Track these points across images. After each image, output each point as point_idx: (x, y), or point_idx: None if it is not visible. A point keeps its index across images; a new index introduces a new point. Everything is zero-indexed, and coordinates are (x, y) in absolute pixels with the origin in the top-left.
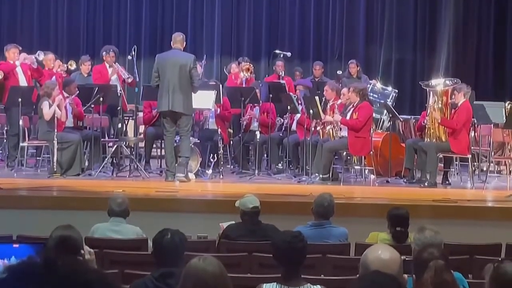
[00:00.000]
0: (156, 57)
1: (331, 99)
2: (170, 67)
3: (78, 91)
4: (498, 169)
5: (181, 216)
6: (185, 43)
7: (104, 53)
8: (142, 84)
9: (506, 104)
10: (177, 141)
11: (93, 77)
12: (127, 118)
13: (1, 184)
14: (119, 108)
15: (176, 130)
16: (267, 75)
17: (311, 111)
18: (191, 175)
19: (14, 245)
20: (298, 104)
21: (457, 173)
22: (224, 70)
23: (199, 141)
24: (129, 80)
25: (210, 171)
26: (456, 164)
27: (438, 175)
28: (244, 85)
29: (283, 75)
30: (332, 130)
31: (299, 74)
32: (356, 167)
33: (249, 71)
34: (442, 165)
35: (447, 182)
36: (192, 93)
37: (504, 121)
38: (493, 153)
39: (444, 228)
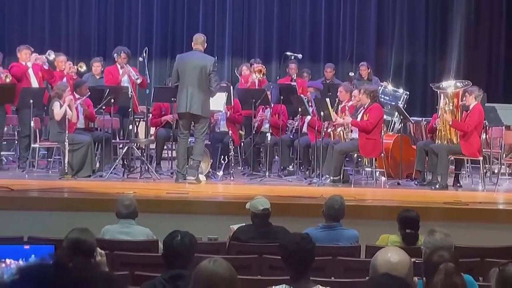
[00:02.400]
0: (177, 57)
1: (344, 101)
2: (190, 69)
3: (89, 93)
4: (510, 171)
5: (192, 217)
6: (206, 44)
7: (115, 54)
8: (153, 85)
9: None
10: (191, 142)
11: (105, 78)
12: (138, 119)
13: (12, 185)
14: (130, 109)
15: (191, 132)
16: (278, 77)
17: (322, 113)
18: (202, 177)
19: (25, 247)
20: (309, 106)
21: (468, 176)
22: (235, 71)
23: (210, 143)
24: (138, 81)
25: (220, 173)
26: (467, 166)
27: (449, 177)
28: (256, 87)
29: (295, 77)
30: (343, 132)
31: (307, 75)
32: (367, 169)
33: (261, 72)
34: (453, 167)
35: (458, 184)
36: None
37: None
38: (504, 155)
39: (455, 230)
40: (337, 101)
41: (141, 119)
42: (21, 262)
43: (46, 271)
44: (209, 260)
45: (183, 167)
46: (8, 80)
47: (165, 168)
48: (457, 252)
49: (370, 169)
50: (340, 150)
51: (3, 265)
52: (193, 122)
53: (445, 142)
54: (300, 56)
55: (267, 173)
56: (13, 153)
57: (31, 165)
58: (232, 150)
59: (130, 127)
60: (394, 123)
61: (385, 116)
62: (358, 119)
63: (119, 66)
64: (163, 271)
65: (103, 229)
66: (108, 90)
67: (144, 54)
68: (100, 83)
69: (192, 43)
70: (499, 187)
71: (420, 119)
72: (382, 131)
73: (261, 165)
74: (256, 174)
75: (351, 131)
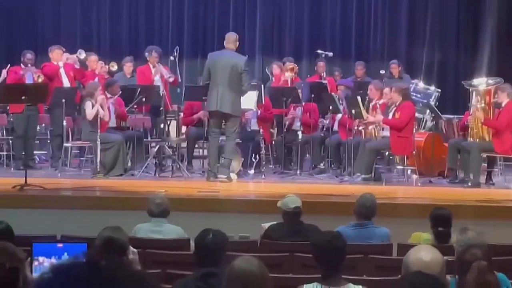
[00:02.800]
0: (208, 56)
1: (374, 99)
2: (221, 67)
3: (121, 92)
4: None
5: (223, 216)
6: (238, 43)
7: (147, 53)
8: (184, 84)
9: None
10: (222, 141)
11: (137, 78)
12: (170, 118)
13: (45, 184)
14: (161, 108)
15: (222, 130)
16: (309, 75)
17: (353, 111)
18: (233, 175)
19: (58, 245)
20: (340, 104)
21: (501, 173)
22: (266, 70)
23: (241, 141)
24: (170, 80)
25: (252, 171)
26: (500, 164)
27: (482, 175)
28: (289, 85)
29: (324, 75)
30: (374, 130)
31: (338, 74)
32: (398, 167)
33: (293, 71)
34: (486, 165)
35: (490, 182)
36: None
37: None
38: None
39: (488, 228)
40: (367, 99)
41: (173, 118)
42: (54, 260)
43: (79, 269)
44: (242, 258)
45: (214, 166)
46: (40, 80)
47: (196, 166)
48: (490, 250)
49: (401, 167)
50: (372, 148)
51: (37, 263)
52: (224, 121)
53: (477, 140)
54: (331, 54)
55: (298, 171)
56: (46, 152)
57: (63, 164)
58: (263, 149)
59: (162, 126)
60: (426, 121)
61: (416, 114)
62: (390, 117)
63: (151, 66)
64: (195, 269)
65: (135, 228)
66: (139, 89)
67: (175, 53)
68: (131, 82)
69: (224, 42)
70: None
71: (452, 116)
72: (414, 129)
73: (292, 163)
74: (287, 173)
75: (383, 129)
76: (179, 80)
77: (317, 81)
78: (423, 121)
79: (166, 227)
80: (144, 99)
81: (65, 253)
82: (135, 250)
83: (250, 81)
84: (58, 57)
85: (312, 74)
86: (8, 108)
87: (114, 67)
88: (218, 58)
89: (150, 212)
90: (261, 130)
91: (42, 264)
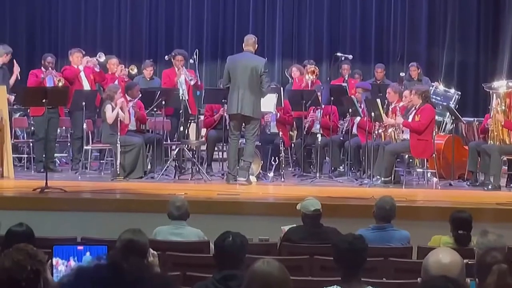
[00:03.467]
0: (228, 58)
1: (393, 102)
2: (241, 70)
3: (140, 95)
4: None
5: (243, 218)
6: (257, 45)
7: (166, 57)
8: (204, 87)
9: None
10: (242, 144)
11: (162, 81)
12: (189, 121)
13: (65, 186)
14: (181, 111)
15: (242, 133)
16: (328, 78)
17: (372, 113)
18: (253, 178)
19: (79, 247)
20: (359, 107)
21: None
22: (285, 73)
23: (260, 144)
24: (192, 82)
25: (271, 174)
26: None
27: (502, 178)
28: (309, 88)
29: (347, 78)
30: (394, 132)
31: (358, 76)
32: (418, 169)
33: (314, 73)
34: (506, 168)
35: (511, 185)
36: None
37: None
38: None
39: (508, 231)
40: (386, 102)
41: (192, 121)
42: (74, 262)
43: (101, 271)
44: (263, 261)
45: (234, 168)
46: (61, 84)
47: (216, 169)
48: (510, 253)
49: (421, 170)
50: (391, 151)
51: (54, 263)
52: (244, 123)
53: (497, 143)
54: (350, 57)
55: (317, 174)
56: (66, 155)
57: (83, 167)
58: (282, 151)
59: (181, 128)
60: (446, 123)
61: (436, 117)
62: (410, 119)
63: (176, 69)
64: (214, 271)
65: (155, 230)
66: (159, 92)
67: (195, 56)
68: (151, 85)
69: (243, 44)
70: None
71: (472, 119)
72: (434, 132)
73: (311, 166)
74: (307, 175)
75: (402, 131)
76: (199, 83)
77: (337, 84)
78: (443, 123)
79: (186, 229)
80: (164, 102)
81: (86, 255)
82: (154, 252)
83: (270, 83)
84: (78, 60)
85: (331, 77)
86: (28, 111)
87: (134, 70)
88: (237, 61)
89: (170, 214)
90: (281, 133)
91: (56, 267)
